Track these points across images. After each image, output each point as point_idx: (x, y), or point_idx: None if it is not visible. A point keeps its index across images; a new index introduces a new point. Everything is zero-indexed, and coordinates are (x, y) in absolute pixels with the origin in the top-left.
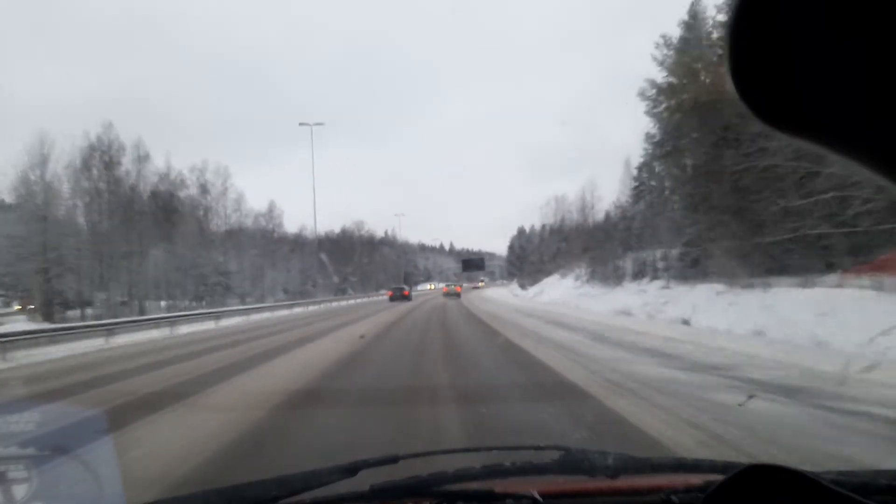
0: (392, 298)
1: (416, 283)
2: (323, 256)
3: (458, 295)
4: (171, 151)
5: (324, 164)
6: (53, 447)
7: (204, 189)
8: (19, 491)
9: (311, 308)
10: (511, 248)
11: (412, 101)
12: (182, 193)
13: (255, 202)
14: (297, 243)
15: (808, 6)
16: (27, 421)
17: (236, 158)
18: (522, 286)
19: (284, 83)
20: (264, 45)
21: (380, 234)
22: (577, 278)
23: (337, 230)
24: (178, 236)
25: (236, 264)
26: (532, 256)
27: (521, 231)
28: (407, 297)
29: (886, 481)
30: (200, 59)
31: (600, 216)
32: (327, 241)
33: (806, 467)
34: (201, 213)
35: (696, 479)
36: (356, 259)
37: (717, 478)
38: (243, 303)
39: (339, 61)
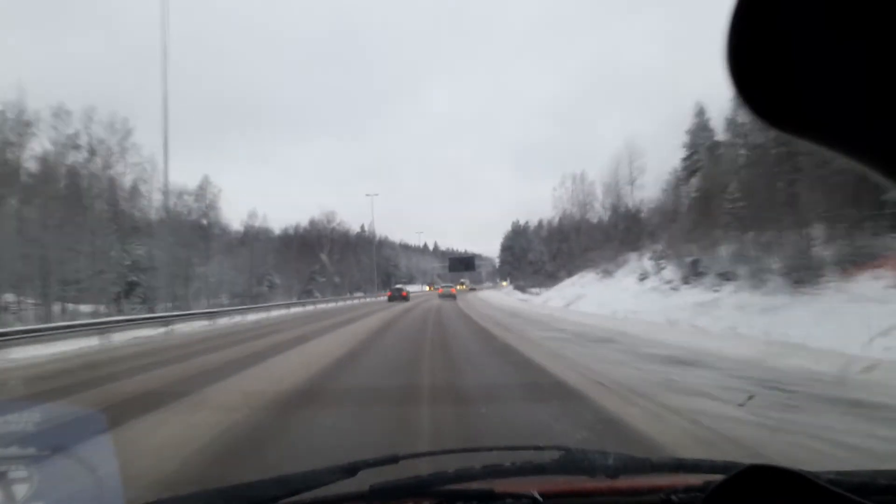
0: (391, 299)
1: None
2: (324, 257)
3: (453, 297)
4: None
5: (300, 159)
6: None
7: (91, 149)
8: (20, 490)
9: (233, 320)
10: (509, 247)
11: (397, 96)
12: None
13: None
14: (248, 237)
15: (808, 6)
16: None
17: (204, 151)
18: (521, 289)
19: (260, 75)
20: (240, 28)
21: (356, 228)
22: (642, 278)
23: (304, 223)
24: (37, 213)
25: (157, 259)
26: (531, 255)
27: (516, 227)
28: (405, 298)
29: (885, 481)
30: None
31: (647, 194)
32: (295, 236)
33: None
34: (98, 184)
35: (696, 480)
36: (326, 256)
37: (717, 478)
38: (169, 307)
39: (321, 55)
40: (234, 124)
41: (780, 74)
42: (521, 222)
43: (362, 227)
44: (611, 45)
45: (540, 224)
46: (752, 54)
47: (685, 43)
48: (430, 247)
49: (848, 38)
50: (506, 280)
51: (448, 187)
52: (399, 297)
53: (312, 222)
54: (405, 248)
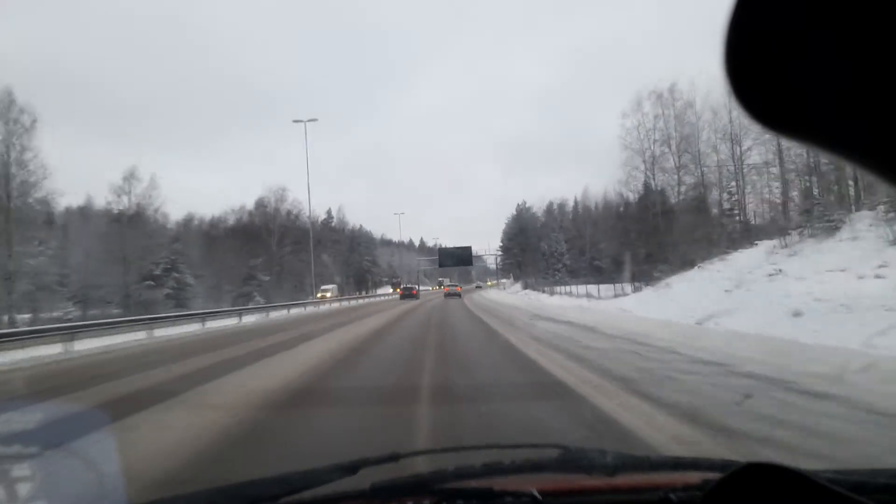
0: (402, 297)
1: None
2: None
3: (459, 295)
4: None
5: (273, 150)
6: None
7: None
8: (22, 489)
9: None
10: (513, 238)
11: (382, 86)
12: None
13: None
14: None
15: (808, 7)
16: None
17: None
18: (532, 287)
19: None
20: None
21: (321, 214)
22: None
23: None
24: None
25: None
26: (544, 244)
27: (521, 211)
28: (415, 296)
29: (884, 480)
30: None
31: None
32: (239, 227)
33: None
34: None
35: (695, 478)
36: (273, 247)
37: (716, 476)
38: None
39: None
40: (204, 110)
41: (777, 76)
42: (527, 204)
43: (329, 212)
44: (607, 31)
45: (550, 207)
46: (749, 56)
47: (686, 29)
48: (416, 243)
49: (848, 38)
50: (496, 278)
51: (436, 183)
52: (409, 295)
53: (259, 203)
54: (387, 244)
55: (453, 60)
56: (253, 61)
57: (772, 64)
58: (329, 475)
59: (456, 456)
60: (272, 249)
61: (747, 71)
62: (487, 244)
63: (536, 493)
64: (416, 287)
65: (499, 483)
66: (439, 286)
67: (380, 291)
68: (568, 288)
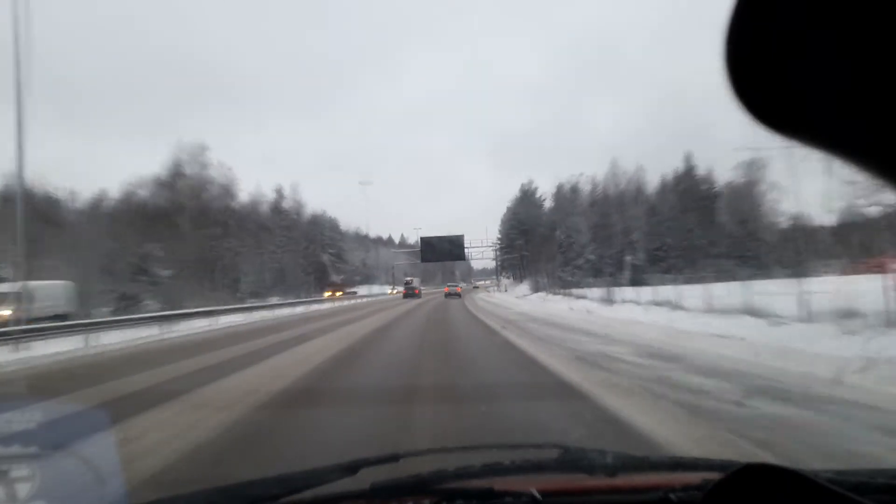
0: (405, 296)
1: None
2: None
3: (459, 296)
4: None
5: (251, 139)
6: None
7: None
8: (22, 489)
9: None
10: (516, 227)
11: (361, 72)
12: None
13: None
14: None
15: (808, 7)
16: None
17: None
18: (552, 291)
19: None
20: None
21: (269, 193)
22: None
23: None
24: None
25: None
26: (561, 232)
27: (527, 192)
28: (417, 295)
29: (884, 480)
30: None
31: None
32: (140, 203)
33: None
34: None
35: (694, 478)
36: (185, 228)
37: (715, 476)
38: None
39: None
40: (156, 89)
41: (777, 76)
42: (533, 185)
43: (279, 191)
44: (604, 23)
45: (561, 190)
46: (750, 56)
47: (685, 23)
48: (396, 240)
49: (847, 40)
50: (496, 277)
51: (419, 179)
52: (412, 294)
53: (175, 169)
54: (361, 237)
55: (442, 50)
56: (220, 40)
57: (772, 64)
58: (329, 475)
59: (456, 456)
60: (183, 232)
61: (748, 71)
62: (483, 238)
63: (536, 494)
64: (419, 287)
65: (499, 483)
66: (406, 287)
67: (339, 294)
68: (643, 291)
